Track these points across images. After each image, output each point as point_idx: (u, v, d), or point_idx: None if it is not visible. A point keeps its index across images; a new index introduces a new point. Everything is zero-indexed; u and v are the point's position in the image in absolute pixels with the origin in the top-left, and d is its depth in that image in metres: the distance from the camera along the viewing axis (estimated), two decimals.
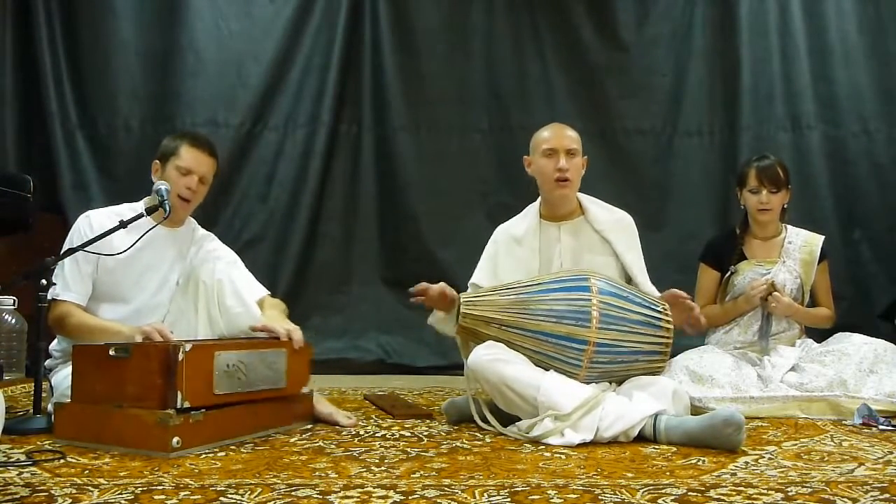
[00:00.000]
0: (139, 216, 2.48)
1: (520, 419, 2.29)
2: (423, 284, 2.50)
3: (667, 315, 2.42)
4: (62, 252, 2.41)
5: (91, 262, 2.48)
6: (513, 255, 2.66)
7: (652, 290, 2.61)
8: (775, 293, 2.90)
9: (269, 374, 2.30)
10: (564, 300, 2.35)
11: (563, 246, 2.64)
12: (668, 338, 2.43)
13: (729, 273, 3.04)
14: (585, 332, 2.31)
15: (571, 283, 2.40)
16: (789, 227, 3.09)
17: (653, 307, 2.43)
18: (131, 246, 2.45)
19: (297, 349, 2.39)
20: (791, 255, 3.02)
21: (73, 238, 2.51)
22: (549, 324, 2.33)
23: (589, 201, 2.71)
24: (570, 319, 2.32)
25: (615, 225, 2.68)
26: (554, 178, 2.60)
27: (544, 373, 2.30)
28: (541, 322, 2.34)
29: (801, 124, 4.22)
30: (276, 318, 2.48)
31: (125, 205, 2.65)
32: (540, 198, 2.73)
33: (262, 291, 2.61)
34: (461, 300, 2.44)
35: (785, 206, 3.04)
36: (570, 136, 2.64)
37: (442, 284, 2.50)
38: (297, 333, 2.40)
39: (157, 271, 2.58)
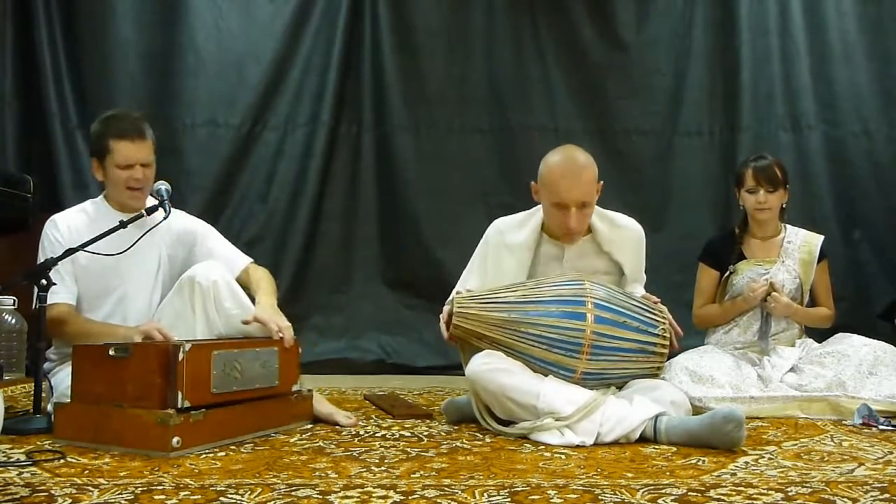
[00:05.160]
0: (139, 216, 2.48)
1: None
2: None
3: (664, 339, 2.39)
4: (57, 257, 2.36)
5: (66, 261, 2.45)
6: (500, 265, 2.58)
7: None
8: (774, 293, 2.90)
9: (263, 373, 2.30)
10: (557, 328, 2.31)
11: (567, 268, 2.55)
12: (660, 362, 2.43)
13: (728, 273, 3.04)
14: (574, 362, 2.30)
15: (569, 306, 2.33)
16: (788, 226, 3.08)
17: (650, 330, 2.38)
18: (132, 245, 2.45)
19: (287, 348, 2.39)
20: (790, 255, 3.01)
21: (46, 245, 2.49)
22: (540, 350, 2.32)
23: (596, 218, 2.55)
24: (559, 349, 2.31)
25: (624, 245, 2.59)
26: (561, 231, 2.49)
27: (543, 379, 2.28)
28: (531, 347, 2.33)
29: (801, 124, 4.21)
30: (269, 310, 2.45)
31: (87, 202, 2.64)
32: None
33: (245, 260, 2.58)
34: (455, 308, 2.40)
35: (783, 205, 3.04)
36: (583, 190, 2.41)
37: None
38: (288, 332, 2.39)
39: (131, 256, 2.51)
